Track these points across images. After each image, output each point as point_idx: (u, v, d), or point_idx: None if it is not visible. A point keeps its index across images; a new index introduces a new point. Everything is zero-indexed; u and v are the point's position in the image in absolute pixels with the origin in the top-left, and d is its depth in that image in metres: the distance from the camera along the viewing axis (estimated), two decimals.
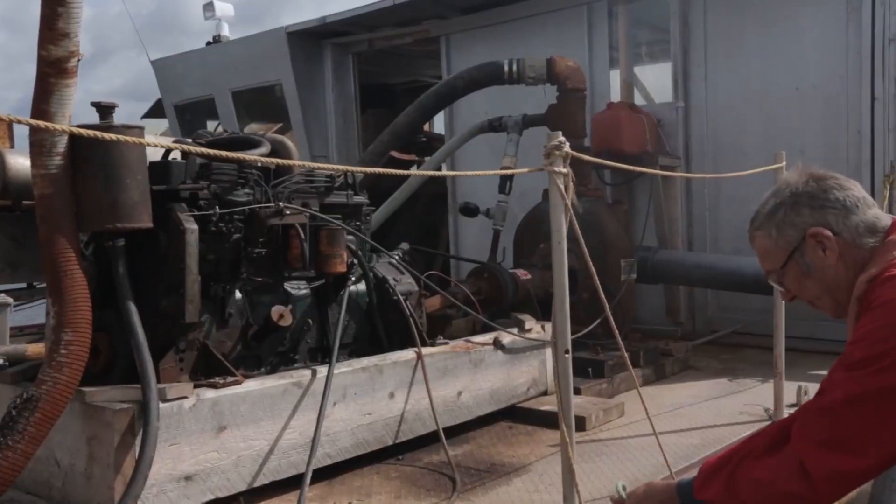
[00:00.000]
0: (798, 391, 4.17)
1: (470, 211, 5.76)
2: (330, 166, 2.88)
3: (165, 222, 2.99)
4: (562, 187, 2.71)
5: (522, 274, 5.05)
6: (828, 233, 1.74)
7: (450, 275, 7.17)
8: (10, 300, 7.84)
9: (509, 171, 3.01)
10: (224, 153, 3.12)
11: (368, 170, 2.93)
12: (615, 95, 6.66)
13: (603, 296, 2.94)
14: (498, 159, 6.05)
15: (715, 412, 4.23)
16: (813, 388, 1.81)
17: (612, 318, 3.03)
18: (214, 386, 2.93)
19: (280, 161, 2.87)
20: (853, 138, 5.64)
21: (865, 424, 1.54)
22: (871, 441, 1.53)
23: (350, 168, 2.96)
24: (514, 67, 5.56)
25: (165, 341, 3.05)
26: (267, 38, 8.40)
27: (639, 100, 6.89)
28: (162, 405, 2.71)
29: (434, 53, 8.00)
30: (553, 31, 6.95)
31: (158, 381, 2.93)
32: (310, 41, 8.28)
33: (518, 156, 5.79)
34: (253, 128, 9.85)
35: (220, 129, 9.24)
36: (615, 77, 6.86)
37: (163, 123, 10.39)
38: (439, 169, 6.98)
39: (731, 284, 5.69)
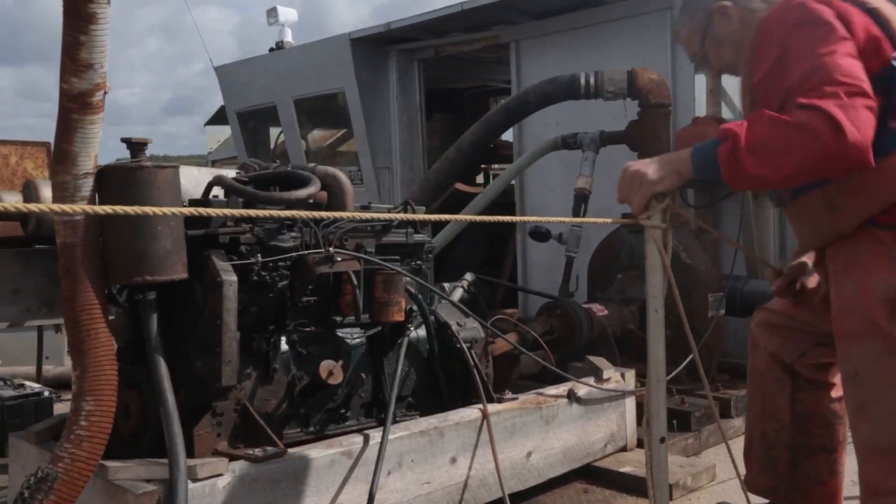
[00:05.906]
0: None
1: (541, 235, 5.33)
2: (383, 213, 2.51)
3: (202, 272, 2.66)
4: (660, 245, 2.27)
5: (598, 310, 4.59)
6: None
7: (517, 304, 6.76)
8: None
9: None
10: (268, 193, 2.81)
11: (434, 217, 2.53)
12: (700, 108, 6.11)
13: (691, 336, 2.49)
14: (571, 179, 5.61)
15: None
16: None
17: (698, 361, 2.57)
18: (253, 459, 2.58)
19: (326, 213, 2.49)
20: None
21: None
22: None
23: (412, 217, 2.57)
24: (592, 81, 5.09)
25: (202, 403, 2.72)
26: (330, 44, 8.11)
27: (727, 113, 6.32)
28: (192, 485, 2.38)
29: (503, 58, 7.56)
30: (632, 37, 6.42)
31: (192, 450, 2.63)
32: (374, 47, 7.95)
33: (594, 176, 5.37)
34: (315, 136, 9.61)
35: (281, 137, 9.04)
36: (700, 88, 6.29)
37: (226, 130, 10.26)
38: (509, 187, 6.55)
39: None
